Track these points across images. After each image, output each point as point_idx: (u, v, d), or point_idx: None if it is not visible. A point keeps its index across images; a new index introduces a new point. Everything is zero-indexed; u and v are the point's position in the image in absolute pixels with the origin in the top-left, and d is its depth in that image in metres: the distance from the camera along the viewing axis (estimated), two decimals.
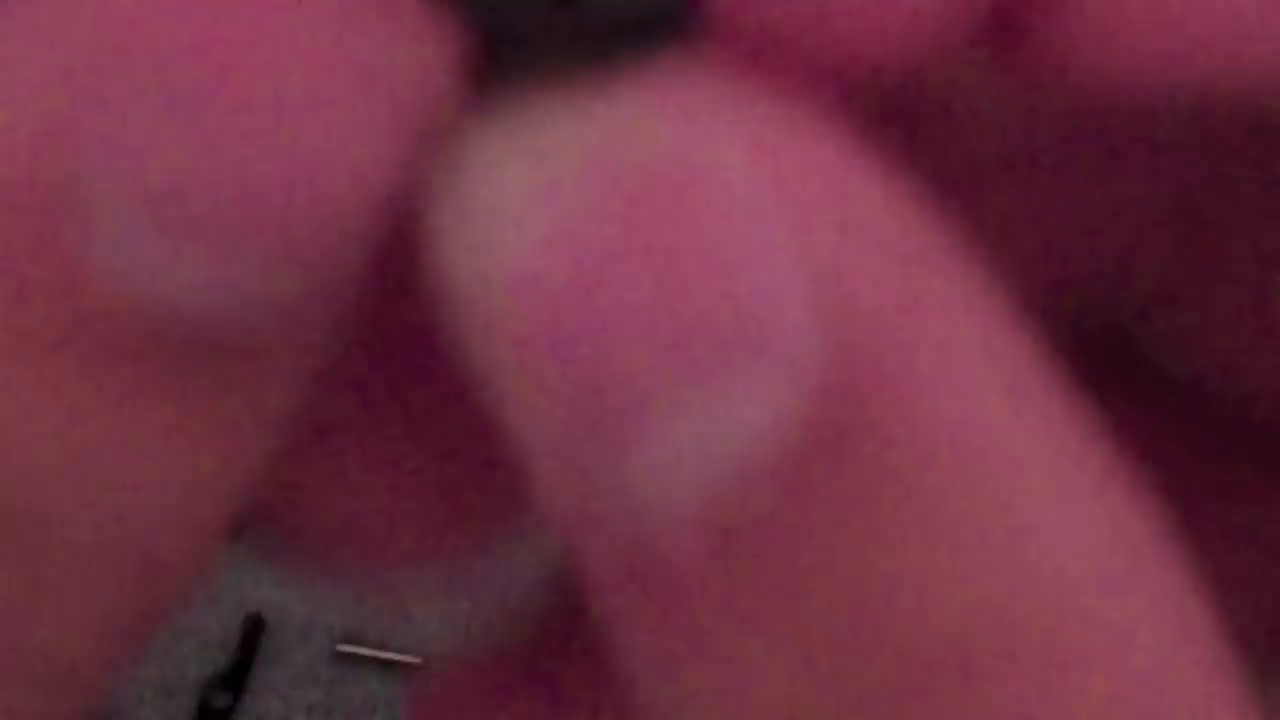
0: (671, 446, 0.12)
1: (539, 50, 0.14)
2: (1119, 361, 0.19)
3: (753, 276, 0.12)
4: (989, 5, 0.14)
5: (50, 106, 0.13)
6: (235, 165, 0.12)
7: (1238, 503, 0.19)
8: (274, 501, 0.16)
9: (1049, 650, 0.13)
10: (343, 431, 0.16)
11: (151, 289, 0.13)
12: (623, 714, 0.17)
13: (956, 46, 0.14)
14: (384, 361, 0.16)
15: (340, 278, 0.14)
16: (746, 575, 0.12)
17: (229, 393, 0.14)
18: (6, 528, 0.13)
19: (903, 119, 0.17)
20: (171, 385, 0.13)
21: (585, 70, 0.14)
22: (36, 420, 0.13)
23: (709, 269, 0.12)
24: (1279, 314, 0.18)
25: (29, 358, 0.13)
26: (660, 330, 0.12)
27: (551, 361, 0.12)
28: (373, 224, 0.13)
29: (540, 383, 0.12)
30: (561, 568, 0.17)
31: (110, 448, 0.13)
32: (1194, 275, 0.19)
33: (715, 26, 0.14)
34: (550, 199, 0.12)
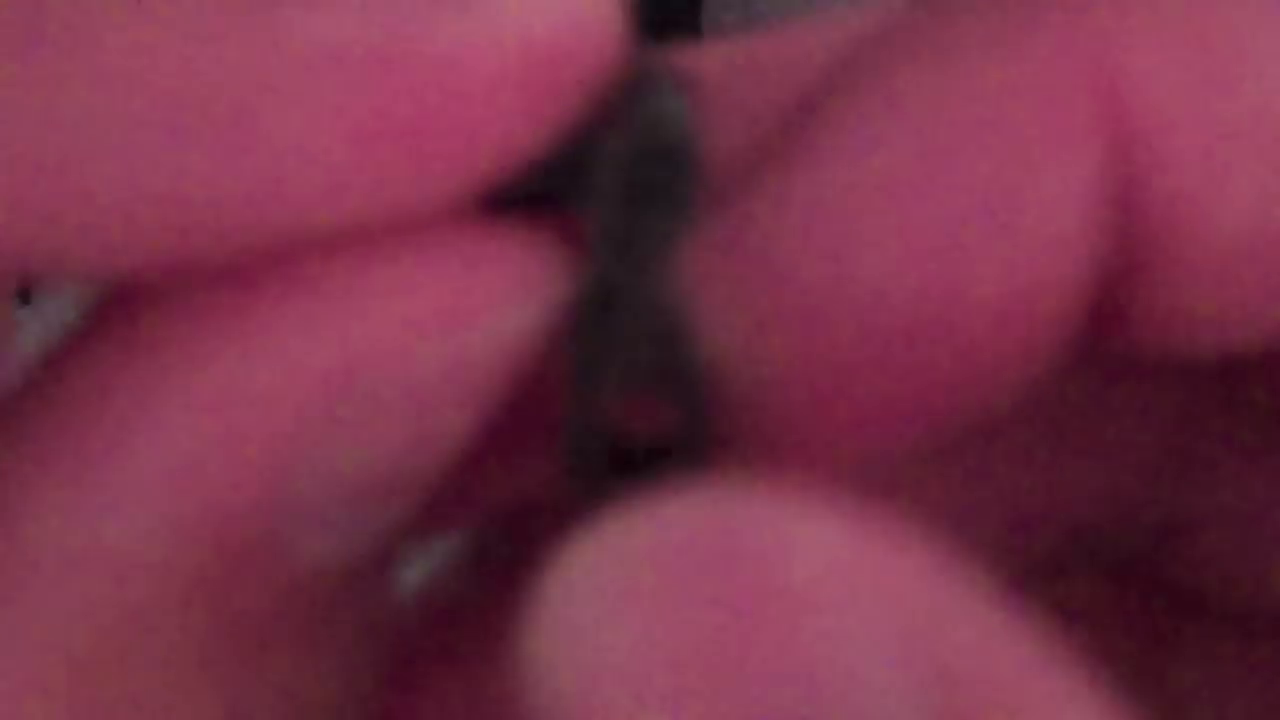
0: None
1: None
2: (1155, 587, 0.20)
3: (855, 659, 0.12)
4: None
5: (270, 426, 0.15)
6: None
7: None
8: None
9: None
10: None
11: (319, 553, 0.16)
12: None
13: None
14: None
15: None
16: None
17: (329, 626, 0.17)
18: None
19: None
20: (293, 623, 0.16)
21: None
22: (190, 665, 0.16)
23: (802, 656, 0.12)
24: None
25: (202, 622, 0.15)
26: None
27: None
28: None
29: None
30: None
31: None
32: (1197, 505, 0.20)
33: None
34: (632, 597, 0.13)
